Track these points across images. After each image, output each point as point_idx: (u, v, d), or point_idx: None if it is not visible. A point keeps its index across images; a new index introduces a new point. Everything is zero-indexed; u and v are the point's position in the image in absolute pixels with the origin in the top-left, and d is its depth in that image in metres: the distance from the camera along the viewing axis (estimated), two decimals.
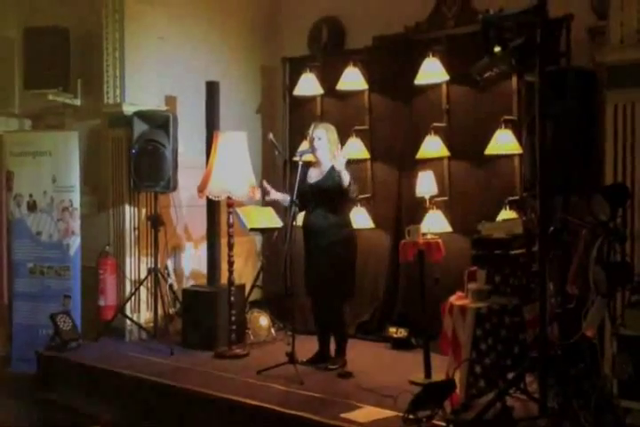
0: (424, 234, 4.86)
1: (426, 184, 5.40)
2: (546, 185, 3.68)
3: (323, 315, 5.20)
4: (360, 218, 5.96)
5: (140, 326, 6.17)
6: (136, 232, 6.22)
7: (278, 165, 6.82)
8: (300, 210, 5.17)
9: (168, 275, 6.33)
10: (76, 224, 6.09)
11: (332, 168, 4.98)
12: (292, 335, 4.92)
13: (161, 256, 6.13)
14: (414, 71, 5.78)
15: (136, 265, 6.24)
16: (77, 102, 6.43)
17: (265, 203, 6.14)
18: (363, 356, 5.36)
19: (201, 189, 5.60)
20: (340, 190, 4.90)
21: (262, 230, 6.51)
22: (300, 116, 6.67)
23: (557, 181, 3.85)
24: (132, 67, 6.22)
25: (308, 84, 6.49)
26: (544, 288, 3.68)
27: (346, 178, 4.83)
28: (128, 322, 6.13)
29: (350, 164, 5.11)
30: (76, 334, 5.81)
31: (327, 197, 4.99)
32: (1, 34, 6.75)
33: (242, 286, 6.05)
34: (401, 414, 3.87)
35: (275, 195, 5.22)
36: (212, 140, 5.73)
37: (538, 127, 3.71)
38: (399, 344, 5.65)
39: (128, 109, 6.13)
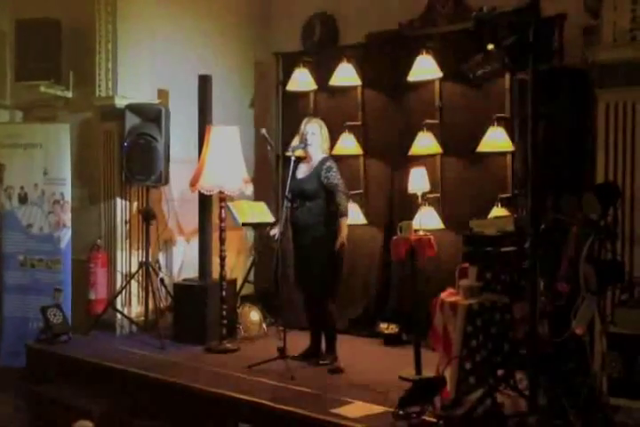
0: (416, 230, 4.87)
1: (418, 181, 5.40)
2: (537, 183, 3.70)
3: (313, 310, 5.21)
4: (352, 214, 5.95)
5: (130, 320, 6.17)
6: (127, 226, 6.21)
7: (270, 159, 6.82)
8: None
9: (159, 269, 6.32)
10: (66, 217, 6.08)
11: (319, 164, 5.02)
12: (284, 330, 4.93)
13: (152, 250, 6.14)
14: (407, 68, 5.79)
15: (127, 259, 6.24)
16: (69, 95, 6.41)
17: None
18: (354, 351, 5.38)
19: (193, 183, 5.59)
20: (323, 185, 4.95)
21: (254, 225, 6.51)
22: (292, 112, 6.66)
23: (549, 179, 3.87)
24: (125, 59, 6.20)
25: (302, 80, 6.48)
26: (534, 286, 3.70)
27: (335, 183, 4.94)
28: (119, 316, 6.13)
29: (336, 160, 5.14)
30: (67, 328, 5.81)
31: (312, 193, 5.00)
32: None
33: (233, 281, 6.06)
34: (391, 410, 3.89)
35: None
36: (204, 135, 5.72)
37: (530, 125, 3.72)
38: (390, 340, 5.67)
39: (120, 102, 6.11)
